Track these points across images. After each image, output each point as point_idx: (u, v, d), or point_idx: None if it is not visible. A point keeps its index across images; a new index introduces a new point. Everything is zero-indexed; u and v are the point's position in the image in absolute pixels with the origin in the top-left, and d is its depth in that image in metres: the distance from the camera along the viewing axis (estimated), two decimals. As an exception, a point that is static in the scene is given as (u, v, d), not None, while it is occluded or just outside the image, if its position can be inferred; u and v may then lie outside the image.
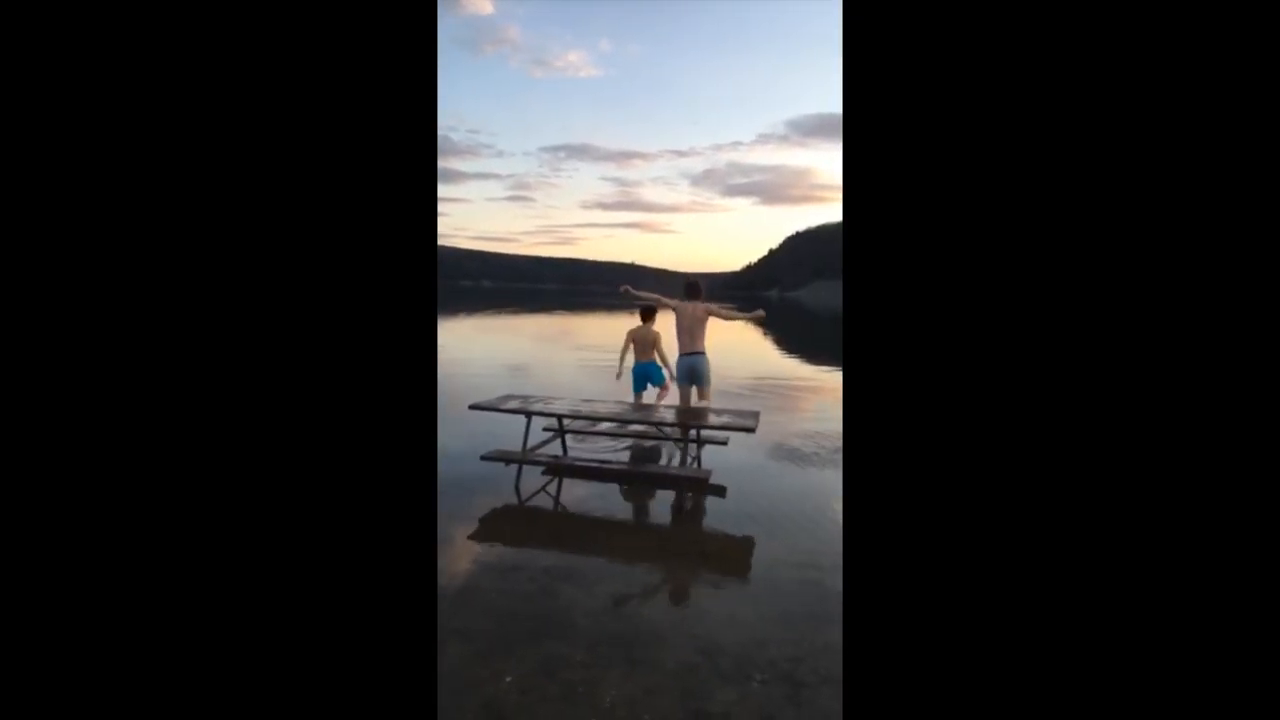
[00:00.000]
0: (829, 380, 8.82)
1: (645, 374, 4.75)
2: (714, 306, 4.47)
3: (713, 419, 3.75)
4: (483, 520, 3.23)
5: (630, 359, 4.76)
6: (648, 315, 4.76)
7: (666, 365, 4.62)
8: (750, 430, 3.59)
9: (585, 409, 3.98)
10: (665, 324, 4.72)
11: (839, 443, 5.02)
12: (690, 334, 4.33)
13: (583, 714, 1.74)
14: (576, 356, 10.45)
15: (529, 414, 3.83)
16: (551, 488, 3.79)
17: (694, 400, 4.41)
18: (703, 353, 4.35)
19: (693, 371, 4.37)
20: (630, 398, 4.70)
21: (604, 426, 4.62)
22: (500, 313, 26.85)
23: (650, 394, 4.82)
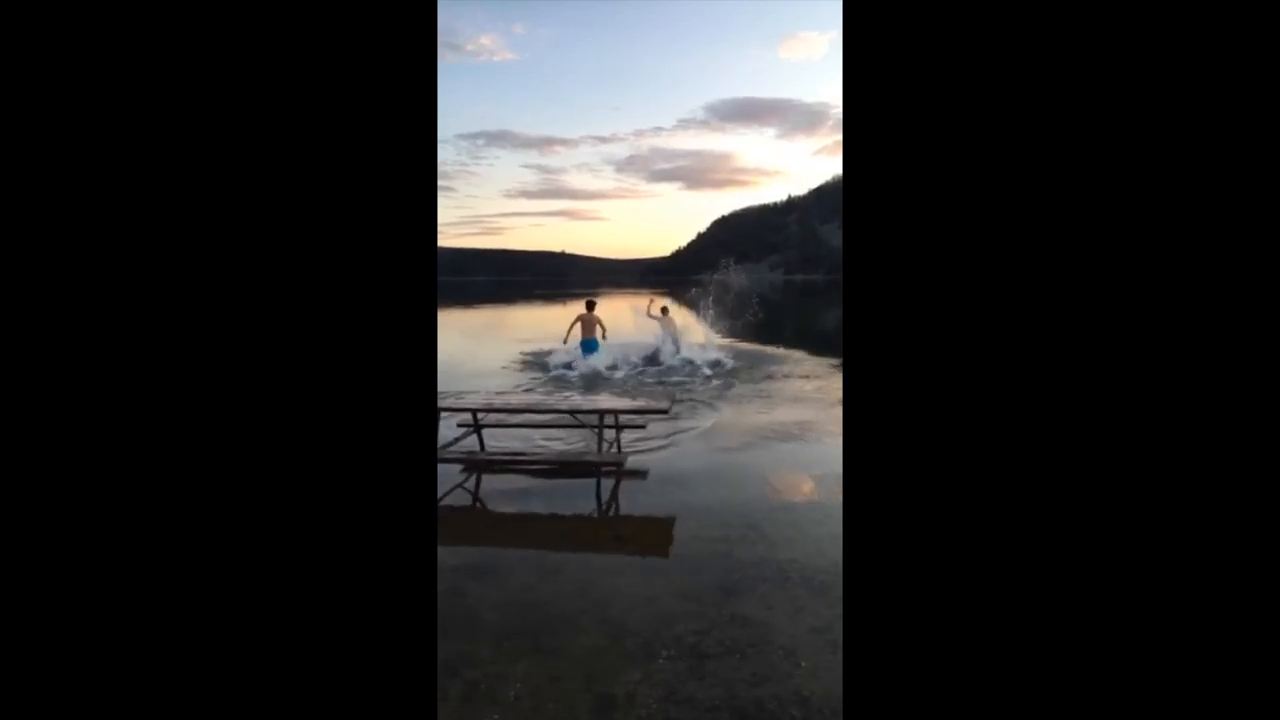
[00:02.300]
0: (750, 359, 9.04)
1: (587, 345, 7.67)
2: (676, 325, 8.59)
3: (628, 403, 3.77)
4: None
5: (577, 335, 7.75)
6: (591, 306, 7.91)
7: (605, 336, 7.87)
8: (664, 412, 3.63)
9: (499, 401, 3.90)
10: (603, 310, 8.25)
11: (759, 419, 5.17)
12: (669, 327, 8.43)
13: (484, 711, 1.70)
14: (506, 351, 10.21)
15: (439, 410, 3.71)
16: (469, 484, 3.69)
17: (673, 341, 8.15)
18: (673, 333, 8.39)
19: (675, 340, 8.30)
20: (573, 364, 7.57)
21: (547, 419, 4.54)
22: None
23: (600, 360, 7.53)
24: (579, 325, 7.73)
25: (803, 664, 1.91)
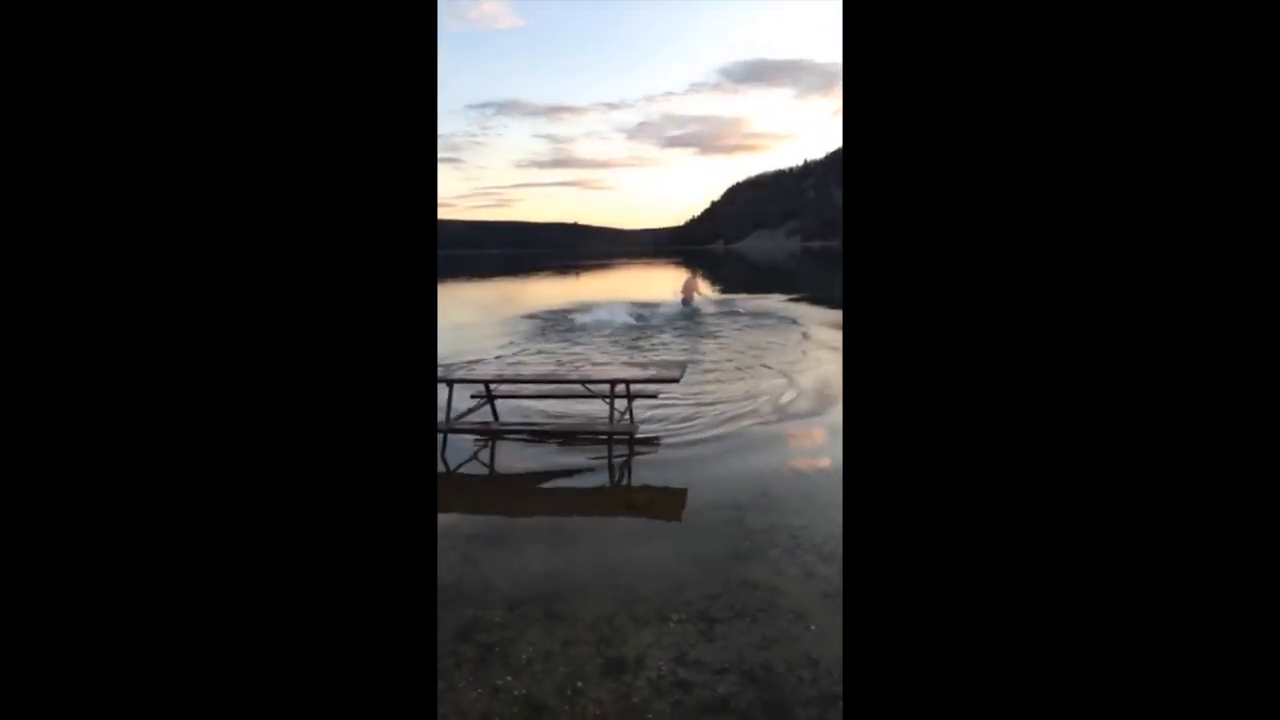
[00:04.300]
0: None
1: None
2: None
3: (638, 373, 3.75)
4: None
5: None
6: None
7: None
8: (675, 381, 3.61)
9: (510, 372, 3.91)
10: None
11: (770, 385, 5.14)
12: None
13: (498, 673, 1.74)
14: (518, 324, 10.24)
15: (450, 382, 3.73)
16: (484, 454, 3.73)
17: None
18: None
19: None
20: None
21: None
22: (441, 281, 25.99)
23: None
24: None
25: (812, 628, 1.92)
